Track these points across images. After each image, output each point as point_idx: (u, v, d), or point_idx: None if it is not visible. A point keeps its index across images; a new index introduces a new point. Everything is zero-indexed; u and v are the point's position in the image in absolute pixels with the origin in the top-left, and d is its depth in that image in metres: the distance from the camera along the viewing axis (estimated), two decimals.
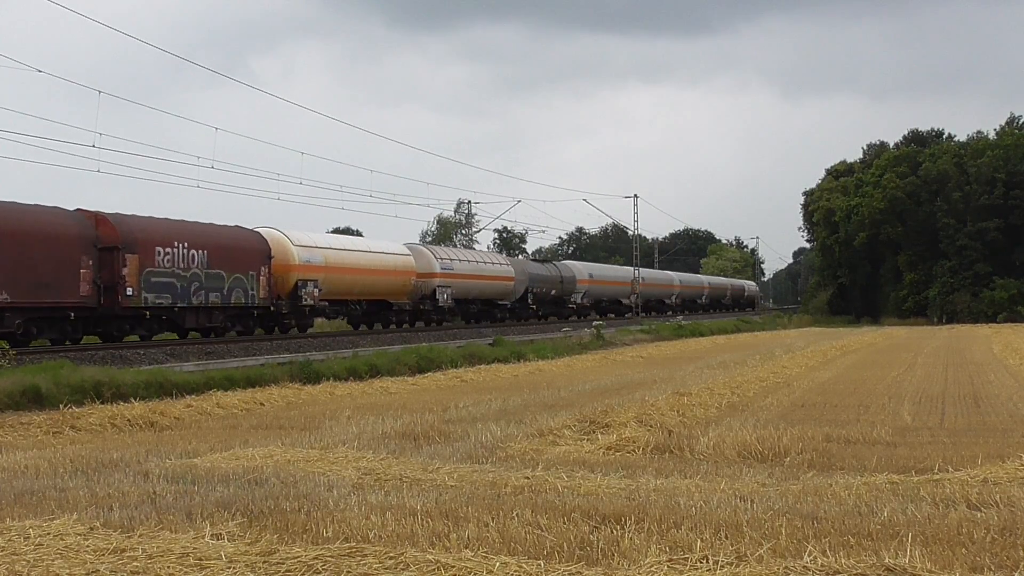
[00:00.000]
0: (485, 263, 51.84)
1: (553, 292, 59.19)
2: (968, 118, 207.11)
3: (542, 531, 6.91)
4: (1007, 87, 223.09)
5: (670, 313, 78.41)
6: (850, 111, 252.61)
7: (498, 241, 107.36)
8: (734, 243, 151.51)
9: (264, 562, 5.94)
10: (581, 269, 66.84)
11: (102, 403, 16.97)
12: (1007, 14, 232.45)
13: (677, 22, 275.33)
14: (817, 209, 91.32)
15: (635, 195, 72.46)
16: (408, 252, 44.03)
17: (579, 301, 63.88)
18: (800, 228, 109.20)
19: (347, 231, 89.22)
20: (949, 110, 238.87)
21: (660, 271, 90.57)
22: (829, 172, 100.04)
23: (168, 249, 29.28)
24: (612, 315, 69.03)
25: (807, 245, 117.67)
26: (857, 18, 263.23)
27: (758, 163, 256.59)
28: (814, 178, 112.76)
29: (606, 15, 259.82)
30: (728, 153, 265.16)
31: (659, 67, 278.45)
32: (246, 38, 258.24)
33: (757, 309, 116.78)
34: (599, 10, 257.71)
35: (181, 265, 29.70)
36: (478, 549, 6.27)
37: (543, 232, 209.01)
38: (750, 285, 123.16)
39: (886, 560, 5.67)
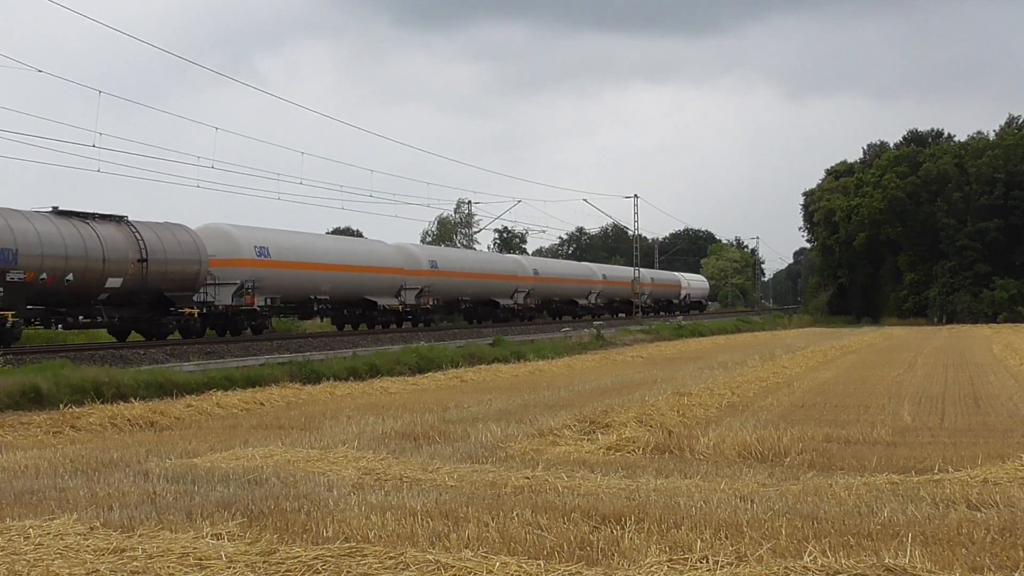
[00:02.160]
0: None
1: (117, 283, 29.54)
2: (971, 118, 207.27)
3: (542, 531, 6.91)
4: (1009, 87, 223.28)
5: (517, 320, 56.75)
6: (855, 111, 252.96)
7: (498, 241, 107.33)
8: (734, 243, 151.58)
9: (264, 562, 5.94)
10: (241, 240, 36.21)
11: (102, 403, 16.96)
12: (1011, 14, 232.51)
13: (684, 21, 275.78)
14: (817, 209, 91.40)
15: (635, 195, 72.50)
16: None
17: (211, 300, 33.83)
18: (800, 228, 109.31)
19: (347, 231, 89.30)
20: (955, 110, 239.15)
21: (491, 255, 69.86)
22: (829, 172, 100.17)
23: None
24: (356, 327, 44.68)
25: (807, 245, 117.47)
26: (863, 17, 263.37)
27: (761, 163, 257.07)
28: (816, 178, 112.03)
29: (612, 14, 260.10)
30: (731, 153, 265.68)
31: (664, 67, 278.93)
32: (252, 38, 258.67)
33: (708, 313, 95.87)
34: (605, 9, 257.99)
35: None
36: (478, 549, 6.27)
37: (543, 232, 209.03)
38: (693, 281, 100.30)
39: (886, 560, 5.67)
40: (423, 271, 48.06)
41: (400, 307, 45.34)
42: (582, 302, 67.45)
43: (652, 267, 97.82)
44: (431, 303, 47.61)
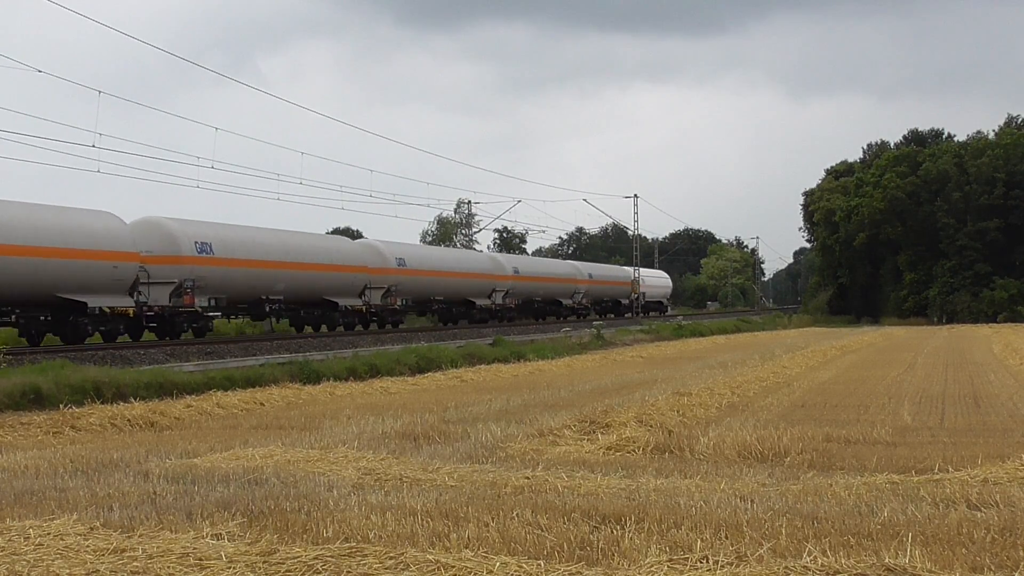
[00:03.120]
0: None
1: None
2: (971, 118, 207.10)
3: (542, 531, 6.91)
4: (1009, 87, 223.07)
5: (361, 329, 43.09)
6: (857, 111, 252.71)
7: (498, 241, 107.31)
8: (734, 243, 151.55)
9: (264, 562, 5.94)
10: None
11: (102, 403, 16.96)
12: (1012, 14, 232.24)
13: (687, 21, 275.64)
14: (817, 209, 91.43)
15: (635, 195, 72.55)
16: None
17: None
18: (800, 228, 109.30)
19: (347, 231, 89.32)
20: (955, 110, 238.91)
21: (318, 237, 46.87)
22: (829, 172, 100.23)
23: None
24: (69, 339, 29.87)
25: (807, 245, 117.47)
26: (865, 17, 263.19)
27: (762, 163, 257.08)
28: (816, 178, 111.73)
29: (616, 14, 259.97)
30: (732, 153, 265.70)
31: (667, 67, 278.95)
32: (255, 38, 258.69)
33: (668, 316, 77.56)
34: (609, 9, 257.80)
35: None
36: (478, 549, 6.27)
37: (543, 232, 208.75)
38: (650, 278, 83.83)
39: (886, 560, 5.66)
40: (185, 257, 33.37)
41: (131, 310, 30.94)
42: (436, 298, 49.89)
43: (652, 265, 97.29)
44: (198, 303, 33.94)
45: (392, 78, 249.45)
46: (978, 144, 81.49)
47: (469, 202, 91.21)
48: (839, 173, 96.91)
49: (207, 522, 7.17)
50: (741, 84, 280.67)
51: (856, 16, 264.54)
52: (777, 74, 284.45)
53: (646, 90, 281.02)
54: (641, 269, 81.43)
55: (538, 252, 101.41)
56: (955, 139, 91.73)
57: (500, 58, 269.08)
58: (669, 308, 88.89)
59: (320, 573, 5.76)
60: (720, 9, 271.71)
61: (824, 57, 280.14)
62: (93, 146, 34.73)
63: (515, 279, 57.76)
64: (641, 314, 74.26)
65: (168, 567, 5.89)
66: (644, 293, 78.96)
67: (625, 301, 75.08)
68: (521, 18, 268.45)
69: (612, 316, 69.96)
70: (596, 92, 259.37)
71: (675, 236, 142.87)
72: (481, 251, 78.23)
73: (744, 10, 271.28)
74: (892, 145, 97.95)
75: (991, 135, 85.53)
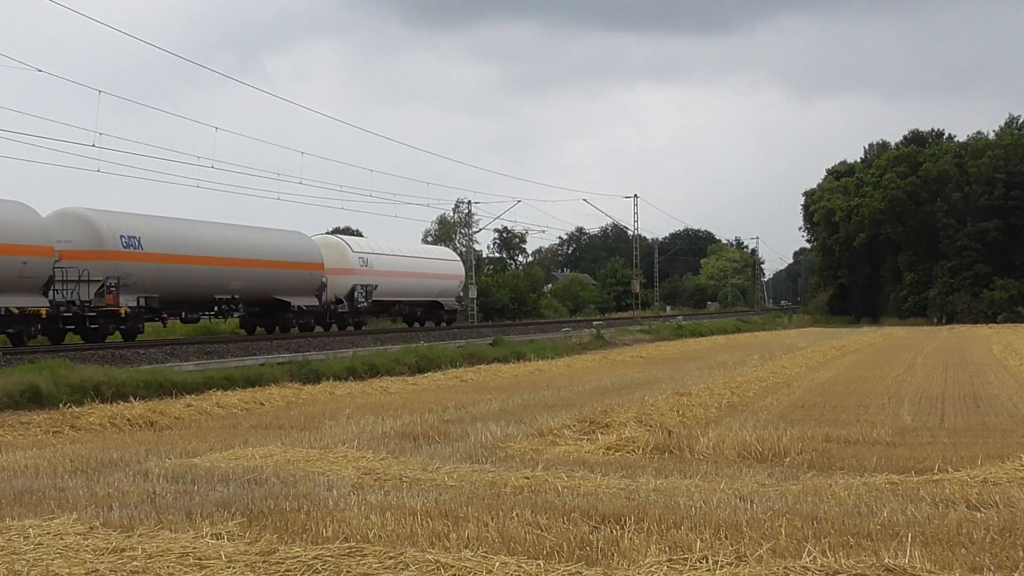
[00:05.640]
0: None
1: None
2: (972, 118, 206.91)
3: (542, 531, 6.91)
4: (1010, 87, 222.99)
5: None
6: (862, 111, 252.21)
7: (498, 241, 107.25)
8: (734, 243, 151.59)
9: (264, 562, 5.94)
10: None
11: (102, 403, 16.97)
12: (1012, 14, 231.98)
13: (694, 21, 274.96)
14: (817, 209, 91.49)
15: (635, 195, 72.47)
16: None
17: None
18: (800, 228, 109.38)
19: (347, 231, 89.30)
20: (957, 110, 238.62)
21: None
22: (830, 172, 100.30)
23: None
24: None
25: (807, 245, 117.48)
26: (871, 17, 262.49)
27: (765, 164, 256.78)
28: (818, 178, 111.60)
29: (623, 13, 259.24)
30: (735, 153, 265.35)
31: (672, 66, 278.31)
32: (260, 37, 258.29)
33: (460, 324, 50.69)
34: (617, 8, 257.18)
35: None
36: (478, 549, 6.27)
37: (543, 232, 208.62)
38: (389, 259, 45.48)
39: (886, 560, 5.66)
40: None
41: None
42: None
43: (652, 266, 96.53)
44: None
45: (398, 77, 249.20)
46: (978, 144, 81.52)
47: (469, 202, 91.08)
48: (840, 173, 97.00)
49: (207, 522, 7.16)
50: (746, 84, 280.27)
51: (861, 16, 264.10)
52: (782, 74, 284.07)
53: (651, 90, 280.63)
54: (371, 241, 49.09)
55: (537, 252, 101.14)
56: (955, 139, 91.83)
57: (506, 57, 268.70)
58: (458, 314, 52.85)
59: (320, 573, 5.76)
60: (727, 9, 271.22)
61: (829, 57, 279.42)
62: (93, 146, 34.62)
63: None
64: (346, 322, 43.20)
65: (168, 567, 5.89)
66: (375, 286, 44.22)
67: (303, 304, 39.59)
68: (528, 17, 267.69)
69: (276, 331, 38.64)
70: (601, 92, 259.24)
71: (675, 236, 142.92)
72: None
73: (751, 10, 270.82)
74: (892, 145, 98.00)
75: (991, 135, 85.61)
